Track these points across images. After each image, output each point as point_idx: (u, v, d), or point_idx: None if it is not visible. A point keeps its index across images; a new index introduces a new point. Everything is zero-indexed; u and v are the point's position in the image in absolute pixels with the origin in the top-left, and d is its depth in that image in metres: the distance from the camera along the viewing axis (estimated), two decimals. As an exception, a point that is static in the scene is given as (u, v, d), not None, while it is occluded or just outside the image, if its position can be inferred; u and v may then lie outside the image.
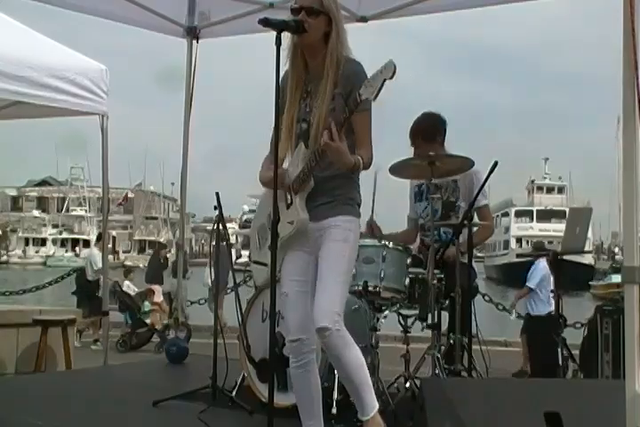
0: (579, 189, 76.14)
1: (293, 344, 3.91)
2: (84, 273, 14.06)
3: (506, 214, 65.57)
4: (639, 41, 3.58)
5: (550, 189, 71.94)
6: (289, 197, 3.87)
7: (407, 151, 5.65)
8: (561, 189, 72.13)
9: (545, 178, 73.09)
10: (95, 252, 12.93)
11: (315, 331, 3.74)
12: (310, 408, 3.96)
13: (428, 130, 5.70)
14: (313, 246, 3.88)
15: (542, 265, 10.32)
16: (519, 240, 66.13)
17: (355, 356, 3.81)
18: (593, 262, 53.99)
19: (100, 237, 13.90)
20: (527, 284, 10.64)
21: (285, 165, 3.93)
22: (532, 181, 72.76)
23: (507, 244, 65.00)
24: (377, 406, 3.90)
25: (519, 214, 68.77)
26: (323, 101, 3.79)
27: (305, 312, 3.84)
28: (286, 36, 3.78)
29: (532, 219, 67.84)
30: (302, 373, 3.94)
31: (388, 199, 6.27)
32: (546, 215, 66.81)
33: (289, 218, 3.82)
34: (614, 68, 3.65)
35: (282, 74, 3.79)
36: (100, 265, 11.61)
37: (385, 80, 3.46)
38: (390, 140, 3.97)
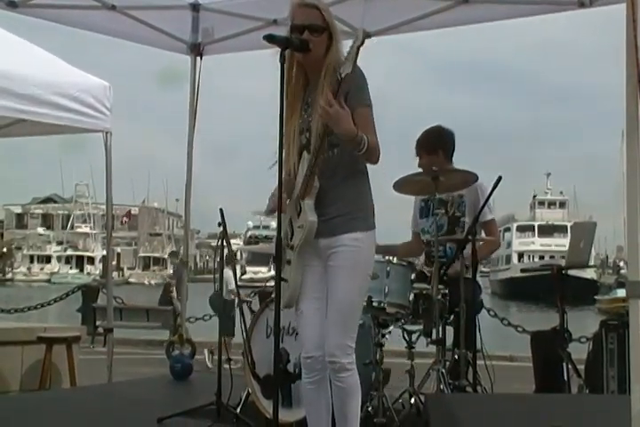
0: (584, 204, 76.03)
1: (307, 361, 3.89)
2: (91, 289, 14.03)
3: (508, 229, 65.69)
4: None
5: (552, 204, 72.14)
6: (299, 204, 3.83)
7: (408, 167, 5.68)
8: (562, 204, 72.38)
9: (547, 193, 73.28)
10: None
11: None
12: (319, 424, 3.94)
13: (431, 142, 5.80)
14: (324, 263, 3.85)
15: None
16: (521, 255, 66.36)
17: (357, 389, 3.84)
18: (595, 277, 54.00)
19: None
20: None
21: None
22: (534, 196, 72.97)
23: (508, 258, 65.17)
24: None
25: (521, 229, 68.98)
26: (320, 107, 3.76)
27: (320, 330, 3.82)
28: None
29: (534, 234, 68.02)
30: (314, 389, 3.91)
31: (390, 212, 6.28)
32: (547, 230, 67.11)
33: (299, 223, 3.80)
34: (618, 80, 3.66)
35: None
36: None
37: (358, 48, 3.50)
38: (391, 155, 3.94)
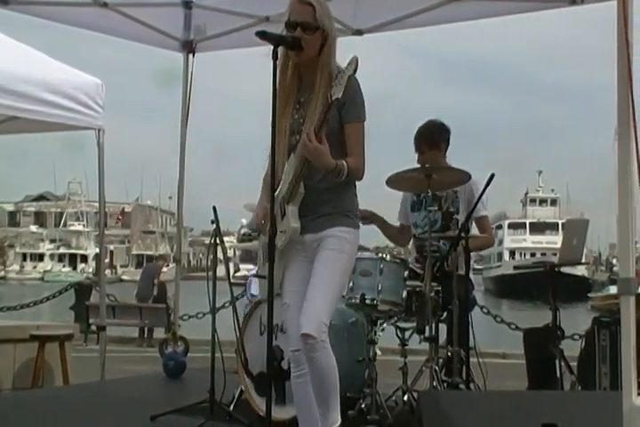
0: (576, 201, 76.23)
1: (295, 354, 3.90)
2: (84, 287, 14.02)
3: (499, 227, 65.90)
4: (633, 52, 3.59)
5: (543, 202, 72.39)
6: (283, 207, 3.87)
7: (401, 161, 5.67)
8: (554, 202, 72.66)
9: (538, 191, 73.52)
10: None
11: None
12: (309, 419, 3.95)
13: (434, 136, 5.77)
14: (311, 256, 3.89)
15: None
16: (512, 252, 66.63)
17: (331, 366, 3.81)
18: (587, 274, 54.20)
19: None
20: None
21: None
22: (526, 194, 73.23)
23: (500, 256, 65.41)
24: (339, 421, 3.91)
25: (513, 227, 69.27)
26: (313, 112, 3.79)
27: None
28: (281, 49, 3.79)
29: (526, 231, 68.30)
30: (302, 382, 3.92)
31: (380, 207, 6.30)
32: (539, 228, 67.44)
33: (282, 228, 3.82)
34: (611, 78, 3.66)
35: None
36: None
37: (350, 76, 3.60)
38: (385, 151, 3.96)
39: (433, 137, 5.78)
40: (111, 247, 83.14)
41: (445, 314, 5.38)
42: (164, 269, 17.92)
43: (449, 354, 5.37)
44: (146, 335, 16.75)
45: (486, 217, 5.88)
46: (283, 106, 3.86)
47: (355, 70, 3.60)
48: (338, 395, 3.89)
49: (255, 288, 12.75)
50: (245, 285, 9.30)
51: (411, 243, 6.08)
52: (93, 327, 14.69)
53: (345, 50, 3.93)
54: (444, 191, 5.68)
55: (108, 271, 64.29)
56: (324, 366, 3.79)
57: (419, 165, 5.43)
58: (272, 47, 3.66)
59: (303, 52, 3.81)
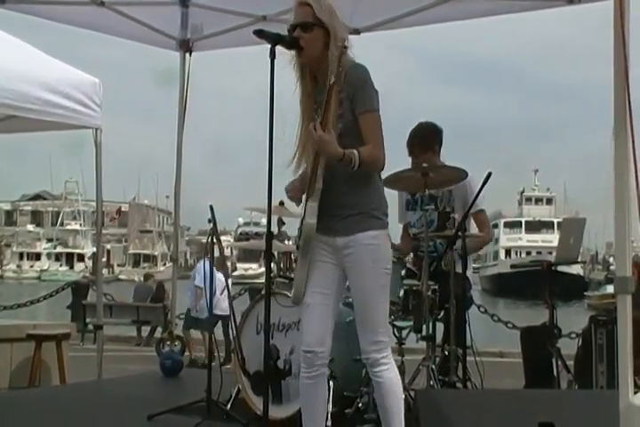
0: (573, 200, 76.35)
1: (307, 355, 3.87)
2: (81, 287, 14.03)
3: (495, 226, 65.98)
4: (629, 50, 3.60)
5: (539, 201, 72.53)
6: (304, 204, 3.86)
7: (400, 162, 5.66)
8: (550, 201, 72.80)
9: (534, 189, 73.65)
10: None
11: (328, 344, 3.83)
12: (314, 420, 3.94)
13: (426, 139, 5.75)
14: (341, 261, 3.86)
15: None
16: (508, 251, 66.78)
17: (394, 384, 3.86)
18: (582, 273, 54.28)
19: None
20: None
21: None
22: (522, 193, 73.36)
23: (496, 255, 65.49)
24: None
25: (508, 225, 69.43)
26: (329, 110, 3.74)
27: (323, 325, 3.85)
28: (285, 51, 3.78)
29: (521, 230, 68.47)
30: (312, 384, 3.90)
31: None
32: (534, 226, 67.63)
33: (300, 225, 3.83)
34: (609, 77, 3.66)
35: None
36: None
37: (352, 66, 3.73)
38: (389, 153, 3.96)
39: (426, 140, 5.75)
40: (108, 246, 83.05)
41: (442, 313, 5.38)
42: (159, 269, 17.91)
43: (446, 353, 5.38)
44: (147, 334, 16.74)
45: (484, 211, 5.84)
46: (304, 109, 3.88)
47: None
48: (402, 406, 3.89)
49: (200, 279, 13.13)
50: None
51: None
52: (90, 327, 14.72)
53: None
54: (439, 191, 5.68)
55: (105, 271, 64.26)
56: (387, 380, 3.84)
57: (417, 166, 5.43)
58: (270, 46, 3.66)
59: (304, 51, 3.80)
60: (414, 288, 5.20)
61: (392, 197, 6.03)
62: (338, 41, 3.80)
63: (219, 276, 13.66)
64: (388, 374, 3.83)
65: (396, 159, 5.72)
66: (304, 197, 3.89)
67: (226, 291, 13.28)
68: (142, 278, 20.99)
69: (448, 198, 5.77)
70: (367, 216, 3.83)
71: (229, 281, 13.25)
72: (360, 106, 3.79)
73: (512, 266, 45.49)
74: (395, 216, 6.15)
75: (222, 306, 13.43)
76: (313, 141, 3.68)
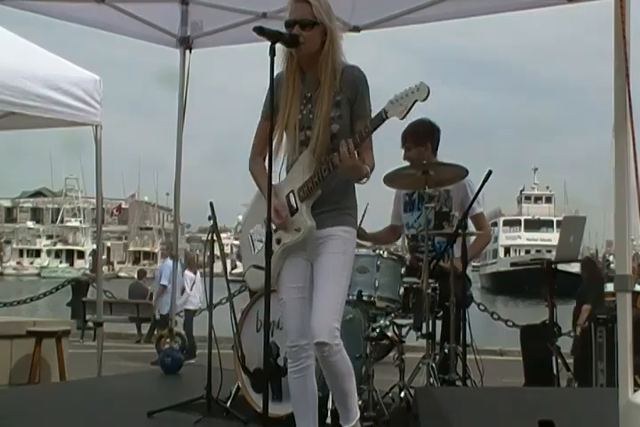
0: (573, 199, 76.62)
1: (292, 349, 3.92)
2: (80, 284, 14.05)
3: (495, 224, 66.07)
4: (630, 49, 3.60)
5: (538, 199, 72.58)
6: (294, 203, 3.87)
7: (400, 162, 5.67)
8: (549, 199, 72.84)
9: (533, 188, 73.71)
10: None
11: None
12: (306, 414, 3.96)
13: (419, 133, 5.75)
14: (310, 253, 3.90)
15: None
16: (507, 249, 66.86)
17: (347, 366, 3.87)
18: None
19: None
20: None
21: (278, 167, 3.95)
22: (521, 191, 73.43)
23: (495, 253, 65.56)
24: (359, 413, 4.02)
25: (508, 224, 69.49)
26: (323, 108, 3.80)
27: (303, 318, 3.86)
28: (280, 46, 3.79)
29: (521, 228, 68.54)
30: (299, 378, 3.93)
31: (379, 206, 6.32)
32: (534, 225, 67.73)
33: (295, 225, 3.83)
34: (610, 76, 3.66)
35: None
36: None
37: (416, 101, 3.53)
38: (382, 149, 3.98)
39: (418, 134, 5.76)
40: (108, 244, 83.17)
41: (442, 311, 5.38)
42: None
43: (446, 351, 5.37)
44: (147, 331, 16.74)
45: (482, 214, 5.87)
46: (288, 100, 3.87)
47: (425, 98, 3.53)
48: (355, 393, 3.97)
49: (165, 279, 13.36)
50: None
51: (405, 244, 6.09)
52: (90, 324, 14.73)
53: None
54: (436, 191, 5.67)
55: (105, 268, 64.28)
56: (343, 370, 3.85)
57: (417, 164, 5.43)
58: (270, 43, 3.66)
59: (302, 48, 3.81)
60: (414, 286, 5.20)
61: (389, 196, 6.07)
62: (335, 40, 3.82)
63: (188, 273, 13.82)
64: (343, 362, 3.84)
65: (396, 159, 5.73)
66: (284, 187, 3.92)
67: (196, 286, 13.51)
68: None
69: (445, 198, 5.76)
70: (342, 213, 3.91)
71: (197, 276, 13.55)
72: (361, 110, 3.85)
73: (512, 264, 45.52)
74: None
75: (194, 301, 13.69)
76: (344, 165, 3.67)
